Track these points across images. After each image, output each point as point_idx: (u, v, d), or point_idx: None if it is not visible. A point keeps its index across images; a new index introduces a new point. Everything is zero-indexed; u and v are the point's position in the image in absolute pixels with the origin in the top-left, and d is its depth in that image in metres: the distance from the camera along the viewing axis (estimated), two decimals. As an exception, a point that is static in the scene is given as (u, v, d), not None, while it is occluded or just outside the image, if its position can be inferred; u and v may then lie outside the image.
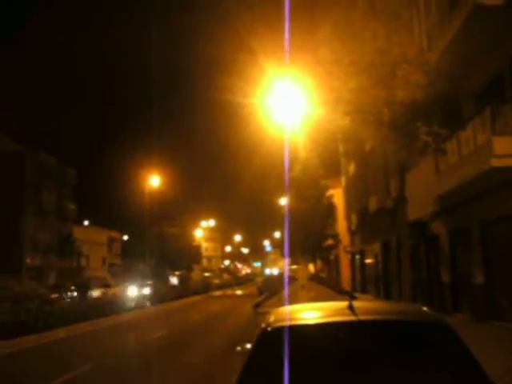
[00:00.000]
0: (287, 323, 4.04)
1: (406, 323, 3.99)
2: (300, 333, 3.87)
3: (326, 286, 10.63)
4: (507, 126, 13.60)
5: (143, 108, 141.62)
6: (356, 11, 16.26)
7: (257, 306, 10.64)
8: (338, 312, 4.18)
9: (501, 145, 13.32)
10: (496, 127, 13.68)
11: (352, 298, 8.64)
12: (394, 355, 3.75)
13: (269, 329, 4.09)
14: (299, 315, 4.35)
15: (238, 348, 5.86)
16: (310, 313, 4.46)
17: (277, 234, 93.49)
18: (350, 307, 4.08)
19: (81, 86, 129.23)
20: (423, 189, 20.57)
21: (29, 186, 58.68)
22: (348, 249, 44.77)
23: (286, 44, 15.87)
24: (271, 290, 12.87)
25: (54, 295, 31.96)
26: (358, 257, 42.11)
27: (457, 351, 3.72)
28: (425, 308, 4.58)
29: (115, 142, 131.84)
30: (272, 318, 4.32)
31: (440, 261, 21.93)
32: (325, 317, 4.20)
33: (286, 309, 4.84)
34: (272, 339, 4.00)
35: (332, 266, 53.98)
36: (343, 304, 4.21)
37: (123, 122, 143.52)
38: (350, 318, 3.95)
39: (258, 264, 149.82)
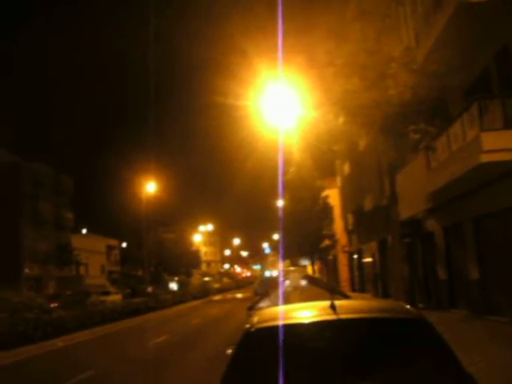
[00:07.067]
0: (269, 324, 4.11)
1: (384, 320, 4.04)
2: (281, 333, 3.93)
3: (319, 286, 10.69)
4: (495, 121, 13.67)
5: (138, 114, 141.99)
6: (347, 13, 16.35)
7: (250, 308, 10.70)
8: (320, 312, 4.23)
9: (489, 140, 13.41)
10: (484, 123, 13.75)
11: (345, 296, 8.72)
12: (373, 352, 3.80)
13: (252, 330, 4.16)
14: (282, 316, 4.40)
15: (229, 351, 5.87)
16: (293, 313, 4.51)
17: (275, 236, 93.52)
18: (332, 306, 4.13)
19: (76, 93, 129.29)
20: (416, 187, 20.65)
21: (25, 196, 58.65)
22: (345, 249, 44.85)
23: (279, 46, 15.94)
24: (264, 292, 12.96)
25: (54, 304, 32.01)
26: (355, 256, 42.19)
27: (436, 346, 3.77)
28: (407, 305, 4.64)
29: (110, 149, 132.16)
30: (255, 319, 4.39)
31: (435, 258, 22.02)
32: (307, 317, 4.26)
33: (271, 310, 4.91)
34: (254, 340, 4.06)
35: (330, 266, 54.04)
36: (326, 303, 4.26)
37: (118, 129, 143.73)
38: (331, 317, 4.01)
39: (257, 267, 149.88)
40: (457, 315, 18.59)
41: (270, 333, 3.96)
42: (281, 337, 3.85)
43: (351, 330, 3.96)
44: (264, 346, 3.96)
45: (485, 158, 13.49)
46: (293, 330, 4.07)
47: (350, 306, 4.67)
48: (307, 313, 4.39)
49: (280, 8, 15.99)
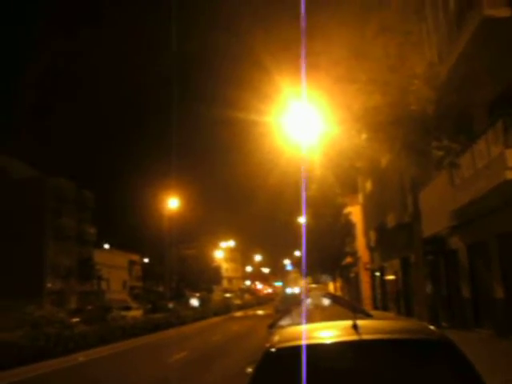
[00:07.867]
0: (290, 344, 4.02)
1: (406, 342, 3.94)
2: (302, 353, 3.84)
3: (340, 304, 10.52)
4: (520, 138, 13.48)
5: (160, 129, 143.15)
6: (369, 30, 16.32)
7: (271, 326, 10.56)
8: (342, 332, 4.14)
9: (515, 157, 13.21)
10: (509, 139, 13.56)
11: (367, 315, 8.57)
12: (395, 374, 3.70)
13: (272, 349, 4.08)
14: (303, 335, 4.31)
15: (249, 369, 5.79)
16: (314, 333, 4.42)
17: (297, 253, 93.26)
18: (355, 326, 4.04)
19: (98, 109, 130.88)
20: (439, 204, 20.41)
21: (49, 211, 59.27)
22: (367, 266, 44.44)
23: (302, 63, 15.96)
24: (286, 309, 12.82)
25: (75, 319, 32.10)
26: (377, 274, 41.76)
27: (460, 369, 3.66)
28: (430, 325, 4.52)
29: (133, 164, 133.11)
30: (276, 339, 4.31)
31: (459, 276, 21.68)
32: (328, 337, 4.17)
33: (292, 329, 4.82)
34: (275, 360, 3.98)
35: (352, 283, 53.56)
36: (348, 323, 4.17)
37: (140, 144, 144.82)
38: (353, 337, 3.92)
39: (279, 283, 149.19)
40: (481, 335, 18.24)
41: (290, 353, 3.88)
42: (302, 357, 3.77)
43: (373, 351, 3.87)
44: (285, 366, 3.88)
45: (510, 175, 13.29)
46: (314, 350, 3.98)
47: (373, 327, 4.56)
48: (329, 333, 4.30)
49: (303, 25, 16.01)
